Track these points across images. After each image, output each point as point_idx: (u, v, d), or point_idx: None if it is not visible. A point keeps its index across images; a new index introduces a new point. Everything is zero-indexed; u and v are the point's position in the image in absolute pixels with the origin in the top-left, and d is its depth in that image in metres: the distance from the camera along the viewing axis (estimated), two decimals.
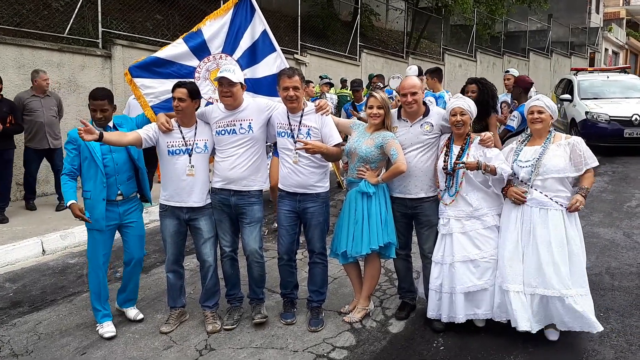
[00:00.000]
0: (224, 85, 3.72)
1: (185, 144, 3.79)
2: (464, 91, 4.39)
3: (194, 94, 3.76)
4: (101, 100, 3.81)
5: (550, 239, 3.50)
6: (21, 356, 3.64)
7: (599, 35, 32.64)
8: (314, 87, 8.23)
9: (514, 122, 5.46)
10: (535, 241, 3.53)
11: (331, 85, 10.77)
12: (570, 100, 12.54)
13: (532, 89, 6.19)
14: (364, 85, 11.09)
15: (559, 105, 12.82)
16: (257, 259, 3.96)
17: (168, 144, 3.79)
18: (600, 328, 3.52)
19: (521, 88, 5.89)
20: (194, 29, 4.48)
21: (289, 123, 3.84)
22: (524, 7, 22.66)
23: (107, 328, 3.89)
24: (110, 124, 3.88)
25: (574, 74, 13.82)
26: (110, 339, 3.83)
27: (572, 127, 12.09)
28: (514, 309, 3.54)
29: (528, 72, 23.66)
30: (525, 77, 6.08)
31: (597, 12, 33.96)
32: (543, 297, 3.50)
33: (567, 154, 3.57)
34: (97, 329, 3.92)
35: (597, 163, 3.60)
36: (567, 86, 13.57)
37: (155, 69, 4.39)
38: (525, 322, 3.52)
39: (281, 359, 3.57)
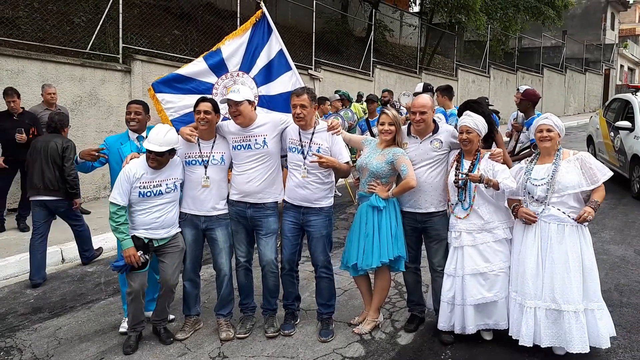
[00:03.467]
0: (232, 106, 3.88)
1: (202, 155, 3.95)
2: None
3: (217, 108, 3.97)
4: (136, 105, 4.14)
5: (568, 255, 3.57)
6: None
7: (614, 51, 32.54)
8: (329, 105, 8.25)
9: None
10: (552, 257, 3.60)
11: (350, 100, 10.12)
12: (631, 129, 9.26)
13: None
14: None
15: (612, 134, 10.09)
16: (272, 270, 4.09)
17: (186, 155, 3.97)
18: (608, 345, 3.60)
19: (530, 102, 5.97)
20: (214, 48, 4.69)
21: (300, 140, 3.97)
22: (538, 24, 22.73)
23: (124, 323, 4.17)
24: (144, 134, 4.12)
25: (633, 93, 10.36)
26: (122, 334, 4.10)
27: (633, 165, 9.01)
28: (527, 324, 3.62)
29: (542, 88, 23.71)
30: (534, 91, 6.15)
31: (612, 28, 33.91)
32: (560, 312, 3.55)
33: (578, 169, 3.64)
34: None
35: (610, 173, 3.65)
36: (622, 109, 10.13)
37: (176, 84, 4.60)
38: (531, 338, 3.60)
39: None
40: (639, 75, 38.68)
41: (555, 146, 3.75)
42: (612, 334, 3.68)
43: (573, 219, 3.60)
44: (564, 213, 3.62)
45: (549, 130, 3.71)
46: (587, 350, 3.53)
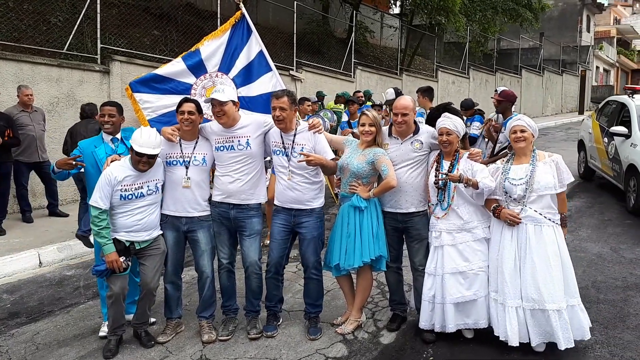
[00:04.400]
0: (216, 106, 3.86)
1: (183, 156, 3.92)
2: None
3: (200, 108, 3.95)
4: (110, 106, 4.06)
5: (548, 254, 3.64)
6: None
7: (590, 53, 33.18)
8: (309, 106, 8.25)
9: None
10: (532, 257, 3.66)
11: (347, 100, 9.63)
12: (627, 136, 8.17)
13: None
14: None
15: (605, 139, 9.10)
16: (256, 271, 4.07)
17: (167, 155, 3.94)
18: (589, 335, 3.72)
19: (509, 102, 6.07)
20: (193, 49, 4.66)
21: (283, 142, 3.97)
22: (516, 26, 23.04)
23: (103, 327, 4.12)
24: (118, 135, 4.06)
25: (630, 95, 9.25)
26: (102, 338, 4.06)
27: (629, 176, 7.96)
28: (510, 324, 3.66)
29: (520, 89, 24.04)
30: (510, 91, 6.26)
31: (588, 30, 34.55)
32: (544, 311, 3.61)
33: (553, 171, 3.75)
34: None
35: (573, 178, 3.85)
36: (617, 113, 9.12)
37: (154, 84, 4.58)
38: (517, 337, 3.65)
39: None
40: (614, 76, 39.54)
41: (530, 146, 3.83)
42: (589, 325, 3.78)
43: (551, 220, 3.70)
44: (541, 214, 3.69)
45: (522, 131, 3.78)
46: (572, 345, 3.61)
